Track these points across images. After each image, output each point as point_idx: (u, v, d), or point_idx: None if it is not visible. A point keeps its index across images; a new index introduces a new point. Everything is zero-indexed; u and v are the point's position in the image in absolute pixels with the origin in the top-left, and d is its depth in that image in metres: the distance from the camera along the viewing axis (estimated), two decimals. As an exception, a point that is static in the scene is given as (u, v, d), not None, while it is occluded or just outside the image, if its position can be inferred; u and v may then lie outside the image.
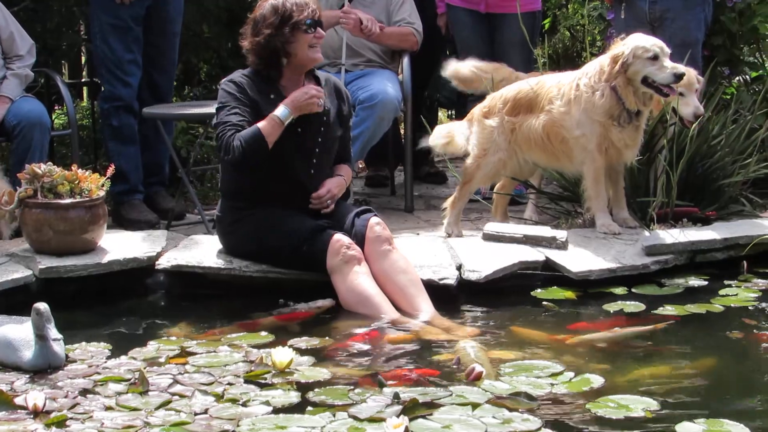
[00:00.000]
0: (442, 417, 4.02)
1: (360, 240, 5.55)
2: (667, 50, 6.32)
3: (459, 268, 5.74)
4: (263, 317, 5.34)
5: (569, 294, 5.71)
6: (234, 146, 5.51)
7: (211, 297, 5.68)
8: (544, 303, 5.61)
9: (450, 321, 5.28)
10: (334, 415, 4.07)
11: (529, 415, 4.03)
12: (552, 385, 4.36)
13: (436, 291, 5.53)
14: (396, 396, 4.18)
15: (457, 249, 6.02)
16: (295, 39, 5.63)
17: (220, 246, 5.87)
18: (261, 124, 5.53)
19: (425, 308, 5.37)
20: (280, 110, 5.55)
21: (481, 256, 5.89)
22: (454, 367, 4.56)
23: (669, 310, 5.45)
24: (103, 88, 7.62)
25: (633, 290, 5.75)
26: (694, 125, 6.50)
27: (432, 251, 5.99)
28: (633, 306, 5.54)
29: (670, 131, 6.59)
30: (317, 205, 5.68)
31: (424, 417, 4.02)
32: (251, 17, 5.73)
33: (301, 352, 4.79)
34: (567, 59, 7.67)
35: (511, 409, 4.09)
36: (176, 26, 7.68)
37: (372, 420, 4.00)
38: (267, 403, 4.21)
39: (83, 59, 10.43)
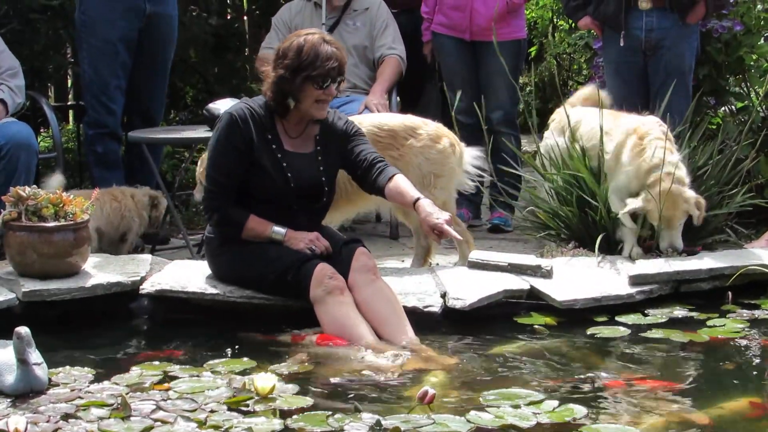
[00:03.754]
0: None
1: (345, 269, 5.53)
2: (682, 219, 6.39)
3: (443, 295, 5.74)
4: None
5: (549, 320, 5.75)
6: (214, 218, 5.64)
7: (195, 322, 5.67)
8: (536, 327, 5.66)
9: (432, 350, 5.26)
10: None
11: None
12: (536, 414, 4.36)
13: (421, 318, 5.53)
14: (378, 423, 4.18)
15: (442, 277, 6.02)
16: (304, 90, 5.55)
17: (204, 271, 5.86)
18: (251, 222, 5.56)
19: (407, 338, 5.34)
20: (279, 230, 5.57)
21: (466, 284, 5.89)
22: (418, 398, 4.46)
23: (656, 333, 5.53)
24: (88, 114, 7.61)
25: (616, 318, 5.76)
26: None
27: (417, 279, 6.00)
28: (620, 331, 5.61)
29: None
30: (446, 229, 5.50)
31: None
32: (279, 46, 5.66)
33: (284, 377, 4.77)
34: (553, 87, 7.70)
35: None
36: (168, 51, 7.69)
37: None
38: (249, 430, 4.20)
39: (69, 82, 10.43)
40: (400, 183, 5.66)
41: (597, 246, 6.42)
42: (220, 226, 5.65)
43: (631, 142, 6.47)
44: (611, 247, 6.57)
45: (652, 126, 6.52)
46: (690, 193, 6.39)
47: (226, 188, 5.59)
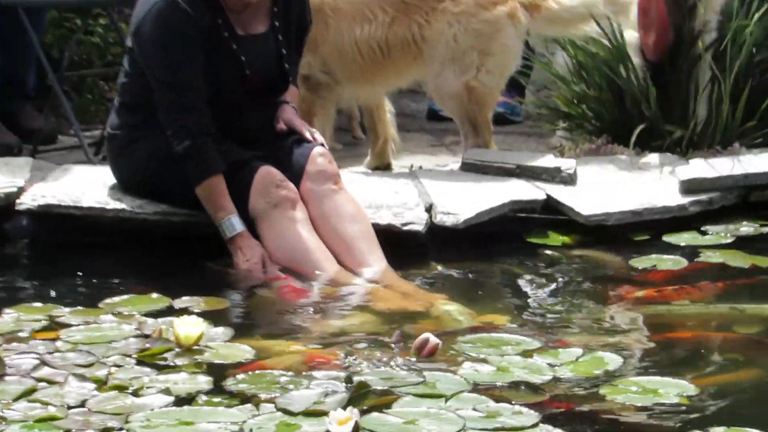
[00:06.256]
0: (405, 410, 4.02)
1: (298, 175, 5.57)
2: None
3: (429, 209, 5.78)
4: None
5: (569, 240, 5.84)
6: (184, 144, 5.49)
7: (92, 247, 5.66)
8: (546, 253, 5.75)
9: (411, 284, 5.32)
10: (257, 407, 4.06)
11: (522, 407, 4.03)
12: (552, 367, 4.39)
13: (398, 240, 5.56)
14: (348, 379, 4.20)
15: (427, 184, 6.06)
16: None
17: (105, 179, 5.87)
18: (219, 182, 5.47)
19: (378, 268, 5.41)
20: (233, 224, 5.45)
21: (460, 193, 5.93)
22: (393, 346, 4.57)
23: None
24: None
25: (664, 238, 5.82)
26: None
27: (393, 187, 6.04)
28: (670, 261, 5.62)
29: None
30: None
31: (380, 410, 4.02)
32: None
33: (207, 318, 4.76)
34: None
35: (497, 399, 4.10)
36: None
37: (309, 414, 3.99)
38: (167, 391, 4.18)
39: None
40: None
41: (633, 139, 6.52)
42: (186, 158, 5.53)
43: None
44: (657, 143, 6.65)
45: None
46: None
47: (195, 95, 5.52)
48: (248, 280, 5.41)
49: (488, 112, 6.59)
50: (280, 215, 5.44)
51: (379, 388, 4.19)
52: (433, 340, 4.47)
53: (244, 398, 4.15)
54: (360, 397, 4.10)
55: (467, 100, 6.44)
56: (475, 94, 6.43)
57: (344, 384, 4.19)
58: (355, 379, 4.23)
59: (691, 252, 5.70)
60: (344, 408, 3.89)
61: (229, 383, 4.28)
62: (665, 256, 5.66)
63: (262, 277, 5.40)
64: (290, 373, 4.31)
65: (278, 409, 4.04)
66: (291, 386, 4.22)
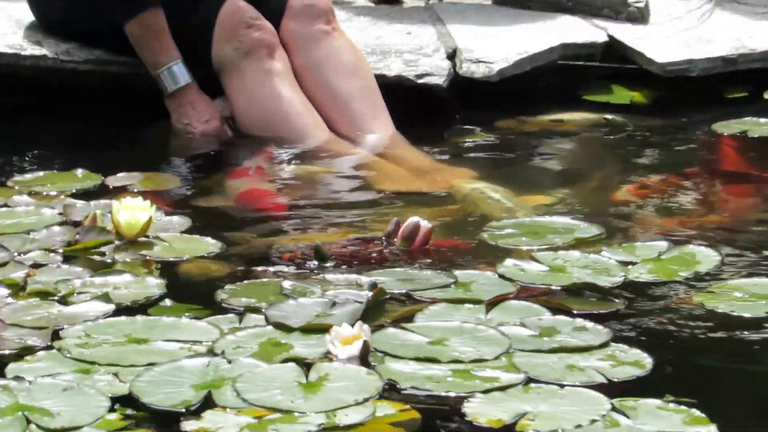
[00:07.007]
0: (431, 325, 3.94)
1: (277, 11, 5.58)
2: None
3: (452, 56, 5.78)
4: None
5: (638, 97, 5.84)
6: None
7: (2, 108, 5.66)
8: (605, 118, 5.69)
9: (427, 156, 5.32)
10: (239, 319, 3.99)
11: (586, 321, 3.95)
12: (624, 265, 4.32)
13: (412, 97, 5.58)
14: (372, 285, 4.13)
15: (449, 23, 6.08)
16: None
17: (18, 15, 5.92)
18: (161, 19, 5.47)
19: (383, 135, 5.44)
20: (175, 74, 5.46)
21: (493, 35, 5.96)
22: (386, 240, 4.55)
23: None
24: None
25: (766, 95, 5.86)
26: None
27: (405, 27, 6.05)
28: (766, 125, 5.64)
29: None
30: None
31: (398, 325, 3.93)
32: None
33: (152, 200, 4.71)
34: None
35: (554, 310, 4.03)
36: None
37: (309, 330, 3.90)
38: (105, 297, 4.11)
39: None
40: None
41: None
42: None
43: None
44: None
45: None
46: None
47: None
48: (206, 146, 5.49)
49: None
50: (253, 65, 5.46)
51: (396, 291, 4.13)
52: (424, 224, 4.54)
53: (221, 308, 4.07)
54: (376, 308, 4.03)
55: None
56: None
57: (365, 291, 4.11)
58: (367, 281, 4.18)
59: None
60: (352, 324, 3.80)
61: (223, 295, 4.18)
62: (761, 120, 5.67)
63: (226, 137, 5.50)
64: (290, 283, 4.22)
65: (270, 323, 3.95)
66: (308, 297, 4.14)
